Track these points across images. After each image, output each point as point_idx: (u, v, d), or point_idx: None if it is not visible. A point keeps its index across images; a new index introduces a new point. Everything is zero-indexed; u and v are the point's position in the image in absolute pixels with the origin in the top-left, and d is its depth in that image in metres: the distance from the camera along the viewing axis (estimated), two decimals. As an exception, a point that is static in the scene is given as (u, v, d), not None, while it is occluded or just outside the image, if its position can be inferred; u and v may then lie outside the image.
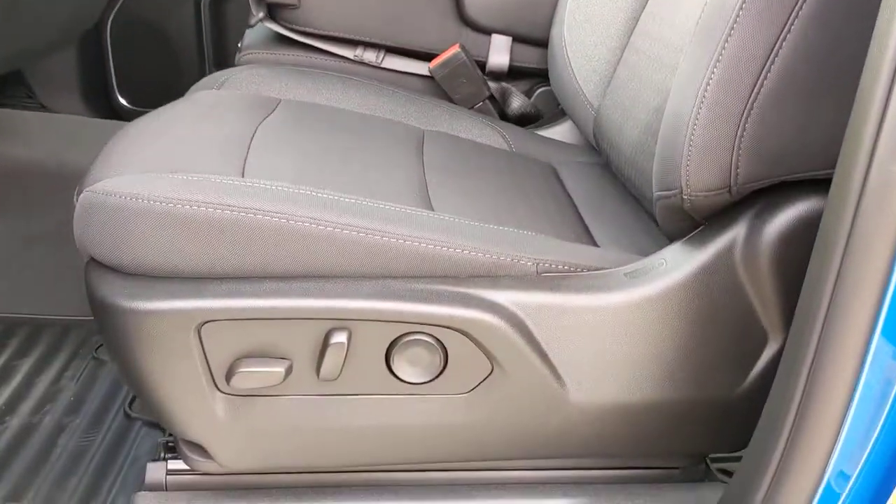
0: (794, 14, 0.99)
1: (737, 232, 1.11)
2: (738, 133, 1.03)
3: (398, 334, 1.10)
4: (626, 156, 1.42)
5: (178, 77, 2.30)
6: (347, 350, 1.09)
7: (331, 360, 1.10)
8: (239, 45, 1.94)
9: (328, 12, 1.86)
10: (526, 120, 1.87)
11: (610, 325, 1.13)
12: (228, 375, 1.10)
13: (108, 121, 2.25)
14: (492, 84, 1.88)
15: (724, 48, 1.02)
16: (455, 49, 1.82)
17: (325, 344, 1.09)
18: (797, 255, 1.03)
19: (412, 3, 1.87)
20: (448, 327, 1.10)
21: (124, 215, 1.07)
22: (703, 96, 1.03)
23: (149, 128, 1.34)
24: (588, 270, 1.16)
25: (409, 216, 1.14)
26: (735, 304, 1.13)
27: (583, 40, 1.67)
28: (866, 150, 0.87)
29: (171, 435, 1.27)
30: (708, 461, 1.36)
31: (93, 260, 1.13)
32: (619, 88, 1.54)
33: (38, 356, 1.83)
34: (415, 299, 1.09)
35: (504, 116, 1.87)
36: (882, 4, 0.85)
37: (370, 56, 1.87)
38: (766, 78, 1.01)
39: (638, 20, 1.56)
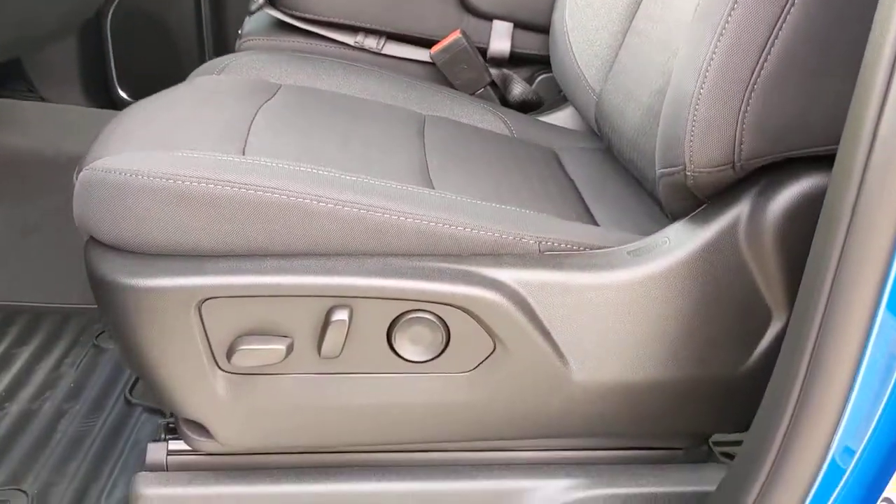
0: (795, -9, 0.99)
1: (740, 209, 1.10)
2: (742, 108, 1.02)
3: (400, 312, 1.10)
4: (628, 138, 1.42)
5: (179, 69, 2.29)
6: (349, 328, 1.09)
7: (332, 338, 1.09)
8: (239, 31, 1.93)
9: (328, -2, 1.86)
10: (527, 107, 1.87)
11: (613, 304, 1.12)
12: (229, 353, 1.09)
13: (106, 111, 2.24)
14: (493, 70, 1.88)
15: (726, 24, 1.02)
16: (456, 35, 1.82)
17: (327, 321, 1.08)
18: (801, 232, 1.02)
19: (413, -12, 1.87)
20: (450, 305, 1.09)
21: (124, 192, 1.06)
22: (707, 71, 1.03)
23: (148, 110, 1.34)
24: (591, 249, 1.15)
25: (410, 194, 1.14)
26: (739, 282, 1.12)
27: (584, 25, 1.67)
28: (870, 126, 0.87)
29: (172, 416, 1.27)
30: (711, 444, 1.35)
31: (92, 239, 1.13)
32: (621, 72, 1.53)
33: (37, 344, 1.83)
34: (416, 277, 1.08)
35: (505, 103, 1.87)
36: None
37: (371, 42, 1.86)
38: (769, 53, 1.00)
39: (640, 4, 1.55)
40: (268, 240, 1.08)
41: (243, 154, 1.16)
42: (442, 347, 1.12)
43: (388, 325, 1.11)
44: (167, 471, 1.24)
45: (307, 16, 1.86)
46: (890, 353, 0.93)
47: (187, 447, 1.23)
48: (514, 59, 1.91)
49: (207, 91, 1.46)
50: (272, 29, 1.89)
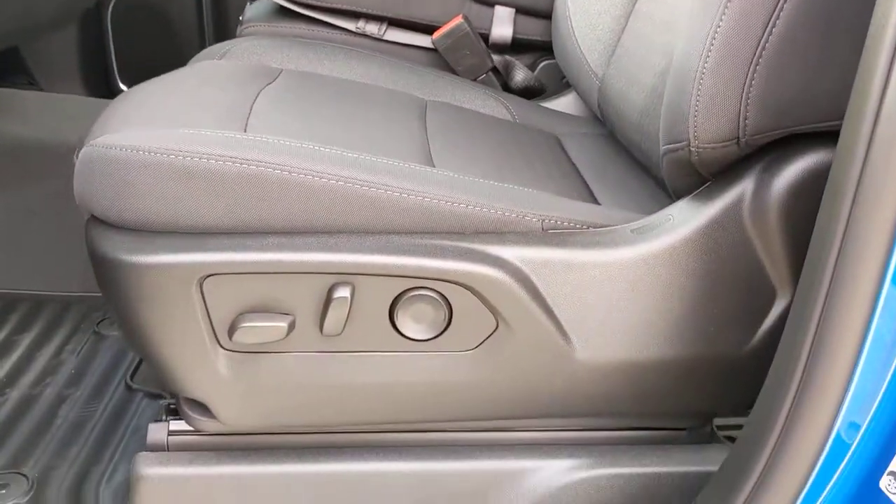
0: (802, -37, 0.98)
1: (745, 186, 1.10)
2: (747, 82, 1.02)
3: (402, 289, 1.09)
4: (632, 121, 1.41)
5: (180, 60, 2.29)
6: (351, 305, 1.08)
7: (334, 316, 1.09)
8: (240, 17, 1.93)
9: (330, -17, 1.85)
10: (530, 93, 1.87)
11: (616, 281, 1.11)
12: (231, 331, 1.09)
13: (107, 100, 2.24)
14: (495, 57, 1.87)
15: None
16: (458, 20, 1.81)
17: (329, 299, 1.08)
18: (806, 208, 1.02)
19: (414, -26, 1.87)
20: (452, 282, 1.09)
21: (125, 168, 1.06)
22: (711, 45, 1.02)
23: (149, 92, 1.33)
24: (594, 227, 1.15)
25: (413, 171, 1.13)
26: (743, 260, 1.11)
27: (586, 9, 1.66)
28: (874, 102, 0.86)
29: (173, 397, 1.26)
30: (714, 427, 1.34)
31: (93, 217, 1.12)
32: (624, 56, 1.53)
33: (38, 331, 1.82)
34: (419, 254, 1.08)
35: (508, 89, 1.86)
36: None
37: (372, 28, 1.86)
38: (773, 27, 1.00)
39: (642, -13, 1.55)
40: (269, 216, 1.07)
41: (245, 132, 1.15)
42: (444, 325, 1.12)
43: (390, 302, 1.10)
44: (168, 451, 1.23)
45: (308, 1, 1.85)
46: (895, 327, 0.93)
47: (188, 427, 1.23)
48: (517, 46, 1.91)
49: (208, 74, 1.46)
50: (273, 15, 1.89)
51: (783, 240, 1.10)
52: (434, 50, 1.85)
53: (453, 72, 1.83)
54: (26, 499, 1.37)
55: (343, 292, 1.08)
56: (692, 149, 1.07)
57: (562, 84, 1.88)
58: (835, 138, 0.92)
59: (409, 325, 1.11)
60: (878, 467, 0.95)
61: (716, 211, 1.10)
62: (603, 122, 1.62)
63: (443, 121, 1.46)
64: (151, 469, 1.20)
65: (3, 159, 1.95)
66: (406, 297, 1.09)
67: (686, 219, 1.12)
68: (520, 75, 1.86)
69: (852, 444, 0.96)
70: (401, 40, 1.87)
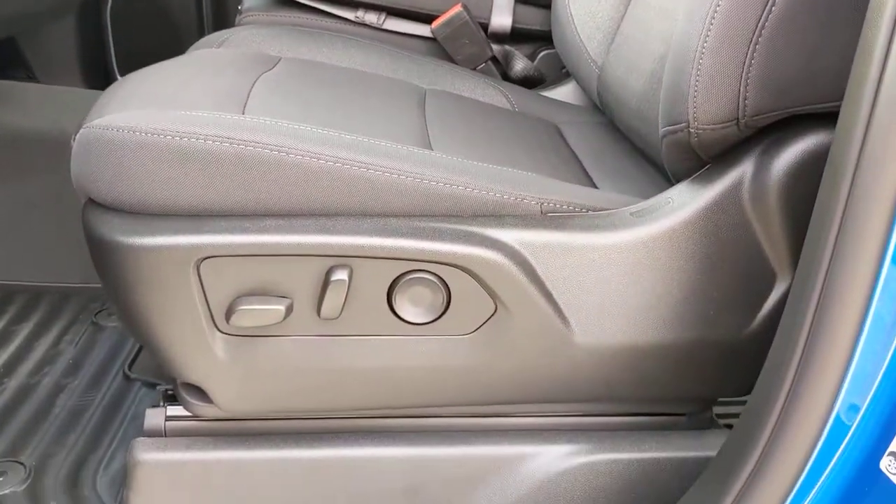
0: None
1: (744, 168, 1.09)
2: (746, 62, 1.01)
3: (400, 272, 1.09)
4: (631, 108, 1.41)
5: (178, 53, 2.29)
6: (349, 288, 1.08)
7: (332, 299, 1.08)
8: (239, 7, 1.93)
9: (329, -28, 1.85)
10: (529, 83, 1.86)
11: (616, 265, 1.11)
12: (228, 314, 1.08)
13: (107, 92, 2.23)
14: (494, 46, 1.87)
15: None
16: (457, 9, 1.81)
17: (326, 282, 1.07)
18: (806, 190, 1.01)
19: (413, -37, 1.86)
20: (450, 265, 1.08)
21: (122, 149, 1.05)
22: (710, 25, 1.02)
23: (147, 76, 1.33)
24: (593, 210, 1.14)
25: (411, 153, 1.13)
26: (743, 243, 1.11)
27: (586, -3, 1.66)
28: (873, 81, 0.86)
29: (171, 384, 1.26)
30: (714, 415, 1.34)
31: (91, 201, 1.12)
32: (624, 44, 1.52)
33: (36, 321, 1.82)
34: (417, 236, 1.07)
35: (507, 79, 1.86)
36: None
37: (371, 18, 1.85)
38: (773, 6, 1.00)
39: (642, -26, 1.54)
40: (267, 198, 1.07)
41: (243, 114, 1.15)
42: (442, 309, 1.11)
43: (388, 285, 1.09)
44: (165, 436, 1.23)
45: (307, -10, 1.85)
46: (895, 307, 0.92)
47: (186, 413, 1.22)
48: (516, 36, 1.91)
49: (206, 61, 1.46)
50: (272, 4, 1.89)
51: (783, 222, 1.09)
52: (433, 39, 1.85)
53: (452, 61, 1.83)
54: (24, 486, 1.37)
55: (341, 275, 1.07)
56: (691, 130, 1.07)
57: (561, 73, 1.88)
58: (835, 119, 0.91)
59: (408, 308, 1.11)
60: (878, 448, 0.94)
61: (715, 193, 1.10)
62: (602, 110, 1.61)
63: (442, 108, 1.46)
64: (148, 454, 1.19)
65: (2, 150, 1.94)
66: (404, 280, 1.09)
67: (685, 202, 1.12)
68: (519, 65, 1.86)
69: (852, 425, 0.95)
70: (400, 29, 1.86)
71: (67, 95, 2.20)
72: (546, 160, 1.35)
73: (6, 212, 1.93)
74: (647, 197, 1.19)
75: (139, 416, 1.49)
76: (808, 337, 0.94)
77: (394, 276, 1.09)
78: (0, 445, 1.45)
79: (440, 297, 1.10)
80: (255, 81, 1.32)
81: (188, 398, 1.20)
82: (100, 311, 1.84)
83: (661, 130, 1.14)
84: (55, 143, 1.89)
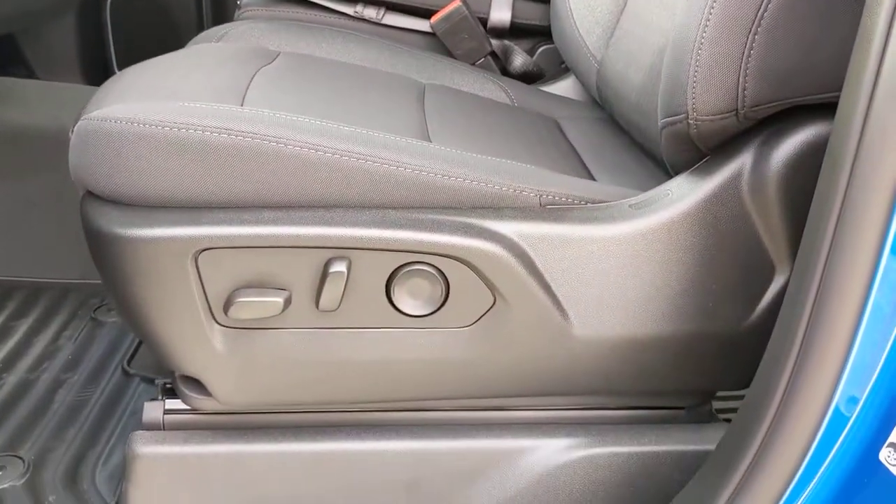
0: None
1: (743, 160, 1.09)
2: (745, 52, 1.01)
3: (398, 264, 1.08)
4: (630, 101, 1.40)
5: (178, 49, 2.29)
6: (347, 280, 1.08)
7: (330, 291, 1.08)
8: (238, 2, 1.92)
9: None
10: (528, 78, 1.86)
11: (614, 257, 1.11)
12: (226, 306, 1.08)
13: (107, 88, 2.23)
14: (494, 42, 1.87)
15: None
16: (456, 3, 1.81)
17: (325, 274, 1.07)
18: (805, 182, 1.01)
19: (412, -43, 1.86)
20: (449, 256, 1.08)
21: (120, 141, 1.05)
22: (709, 15, 1.01)
23: (146, 69, 1.33)
24: (592, 203, 1.14)
25: (410, 145, 1.13)
26: (742, 235, 1.11)
27: (585, -8, 1.65)
28: (871, 72, 0.86)
29: (169, 377, 1.26)
30: (713, 409, 1.34)
31: (89, 193, 1.12)
32: (623, 38, 1.52)
33: (36, 317, 1.82)
34: (415, 228, 1.07)
35: (506, 74, 1.86)
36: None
37: (370, 12, 1.85)
38: None
39: (642, -32, 1.54)
40: (265, 189, 1.07)
41: (242, 106, 1.15)
42: (441, 301, 1.11)
43: (386, 277, 1.09)
44: (164, 430, 1.22)
45: (306, -16, 1.85)
46: (894, 298, 0.92)
47: (184, 406, 1.22)
48: (515, 31, 1.90)
49: (205, 55, 1.45)
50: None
51: (782, 214, 1.09)
52: (432, 34, 1.85)
53: (451, 56, 1.83)
54: (22, 481, 1.37)
55: (339, 267, 1.07)
56: (690, 121, 1.07)
57: (560, 68, 1.88)
58: (834, 110, 0.91)
59: (406, 300, 1.11)
60: (878, 439, 0.94)
61: (714, 185, 1.10)
62: (601, 105, 1.61)
63: (441, 102, 1.45)
64: (147, 448, 1.19)
65: (2, 147, 1.94)
66: (403, 272, 1.09)
67: (684, 193, 1.11)
68: (518, 60, 1.86)
69: (851, 417, 0.95)
70: (399, 24, 1.86)
71: (67, 92, 2.20)
72: (545, 154, 1.35)
73: (6, 208, 1.93)
74: (645, 190, 1.19)
75: (138, 411, 1.49)
76: (806, 329, 0.93)
77: (392, 268, 1.09)
78: (-1, 439, 1.46)
79: (439, 290, 1.10)
80: (253, 75, 1.32)
81: (186, 391, 1.19)
82: (99, 307, 1.84)
83: (660, 122, 1.14)
84: (55, 140, 1.88)
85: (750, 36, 1.00)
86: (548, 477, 1.22)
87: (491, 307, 1.12)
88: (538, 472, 1.22)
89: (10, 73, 2.30)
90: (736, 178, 1.09)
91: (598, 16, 1.62)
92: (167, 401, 1.24)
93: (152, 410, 1.23)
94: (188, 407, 1.22)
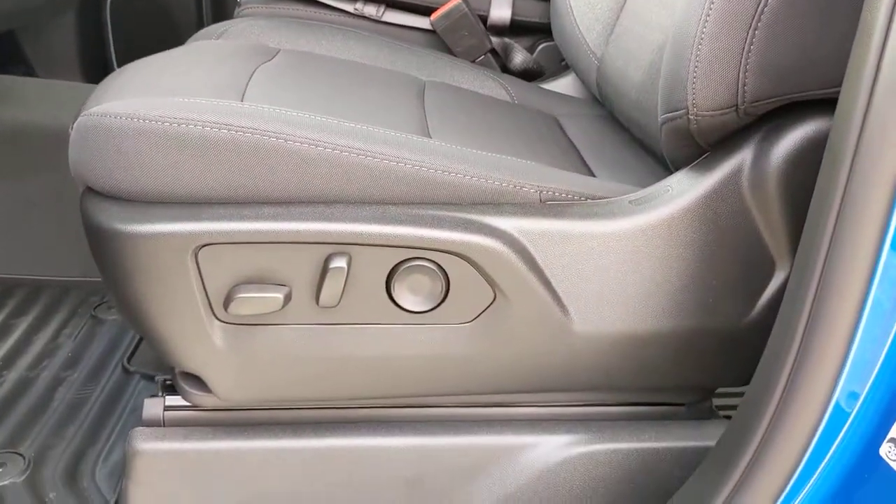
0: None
1: (744, 156, 1.09)
2: (745, 48, 1.01)
3: (399, 260, 1.08)
4: (630, 98, 1.40)
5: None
6: (347, 276, 1.08)
7: (330, 287, 1.08)
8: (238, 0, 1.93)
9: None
10: (528, 76, 1.86)
11: (615, 252, 1.11)
12: (226, 302, 1.08)
13: (107, 86, 2.23)
14: (494, 39, 1.87)
15: None
16: (456, 0, 1.81)
17: (325, 269, 1.07)
18: (805, 178, 1.01)
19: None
20: (449, 252, 1.08)
21: (119, 136, 1.05)
22: (710, 11, 1.01)
23: (145, 67, 1.32)
24: (592, 199, 1.14)
25: (410, 141, 1.13)
26: (742, 231, 1.11)
27: (585, -11, 1.65)
28: (871, 67, 0.86)
29: (169, 373, 1.25)
30: (713, 406, 1.34)
31: (89, 189, 1.12)
32: (623, 34, 1.52)
33: (36, 315, 1.82)
34: (416, 224, 1.07)
35: (506, 71, 1.86)
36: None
37: (370, 10, 1.85)
38: None
39: (641, -35, 1.54)
40: (265, 185, 1.06)
41: (242, 101, 1.15)
42: (441, 297, 1.11)
43: (387, 273, 1.09)
44: (164, 426, 1.22)
45: (306, -18, 1.85)
46: (895, 294, 0.92)
47: (185, 403, 1.22)
48: (515, 28, 1.90)
49: (205, 52, 1.45)
50: (271, -4, 1.89)
51: (782, 210, 1.09)
52: (432, 31, 1.85)
53: (452, 53, 1.83)
54: (22, 478, 1.37)
55: (339, 263, 1.07)
56: (691, 117, 1.07)
57: (560, 66, 1.88)
58: (834, 106, 0.91)
59: (406, 296, 1.11)
60: (878, 435, 0.94)
61: (714, 181, 1.10)
62: (601, 102, 1.61)
63: (441, 99, 1.45)
64: (147, 444, 1.19)
65: (2, 145, 1.94)
66: (403, 267, 1.09)
67: (684, 189, 1.11)
68: (518, 57, 1.86)
69: (851, 412, 0.95)
70: (399, 21, 1.87)
71: (67, 91, 2.20)
72: (545, 151, 1.35)
73: (6, 206, 1.93)
74: (645, 186, 1.19)
75: (138, 409, 1.48)
76: (807, 324, 0.93)
77: (392, 264, 1.09)
78: (-1, 437, 1.46)
79: (439, 286, 1.10)
80: (253, 72, 1.32)
81: (187, 388, 1.19)
82: (99, 305, 1.85)
83: (661, 118, 1.14)
84: (55, 138, 1.88)
85: (750, 31, 1.00)
86: (548, 473, 1.22)
87: (491, 303, 1.12)
88: (539, 468, 1.22)
89: (10, 72, 2.29)
90: (736, 173, 1.09)
91: (598, 13, 1.62)
92: (167, 397, 1.24)
93: (152, 407, 1.23)
94: (188, 403, 1.22)
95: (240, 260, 1.07)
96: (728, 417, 1.34)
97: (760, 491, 0.99)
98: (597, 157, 1.38)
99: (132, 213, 1.06)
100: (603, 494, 1.23)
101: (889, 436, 0.93)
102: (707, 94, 1.04)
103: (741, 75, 1.02)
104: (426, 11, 1.86)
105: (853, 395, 0.94)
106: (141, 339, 1.70)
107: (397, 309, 1.11)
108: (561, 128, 1.54)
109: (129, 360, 1.66)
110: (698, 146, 1.12)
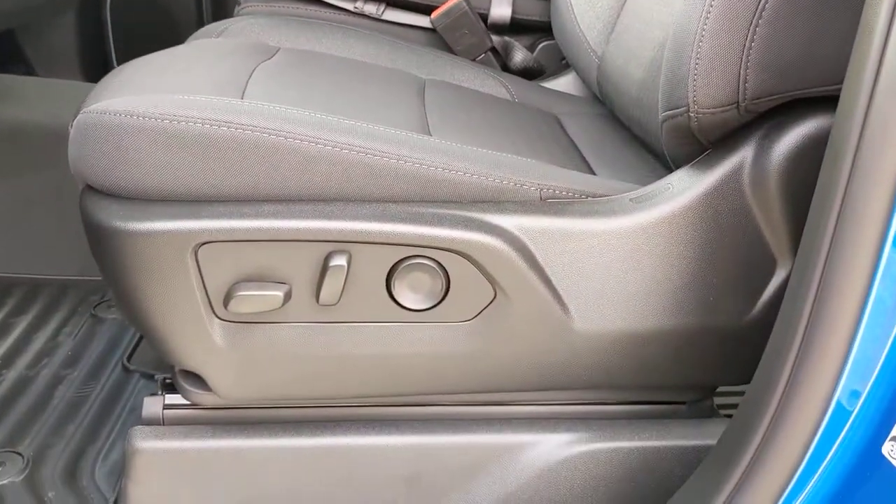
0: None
1: (745, 153, 1.09)
2: (746, 45, 1.01)
3: (399, 258, 1.08)
4: (631, 96, 1.40)
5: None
6: (347, 274, 1.07)
7: (330, 285, 1.07)
8: (238, -1, 1.93)
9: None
10: (529, 74, 1.86)
11: (615, 251, 1.10)
12: (226, 300, 1.08)
13: (107, 85, 2.23)
14: (494, 38, 1.86)
15: None
16: (456, -1, 1.81)
17: (325, 267, 1.07)
18: (806, 176, 1.01)
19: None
20: (449, 250, 1.08)
21: (119, 133, 1.05)
22: (710, 7, 1.01)
23: (145, 65, 1.32)
24: (593, 197, 1.14)
25: (410, 139, 1.12)
26: (743, 229, 1.11)
27: (586, -13, 1.65)
28: (873, 64, 0.86)
29: (169, 372, 1.25)
30: (714, 405, 1.33)
31: (88, 187, 1.11)
32: (624, 32, 1.52)
33: (35, 314, 1.82)
34: (416, 222, 1.07)
35: (507, 70, 1.86)
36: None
37: (370, 8, 1.85)
38: None
39: (642, -36, 1.54)
40: (265, 183, 1.06)
41: (242, 99, 1.14)
42: (442, 295, 1.11)
43: (387, 271, 1.09)
44: (163, 425, 1.22)
45: (306, -20, 1.85)
46: (897, 291, 0.92)
47: (184, 401, 1.22)
48: (516, 27, 1.90)
49: (205, 50, 1.45)
50: (271, -5, 1.88)
51: (783, 207, 1.09)
52: (432, 30, 1.85)
53: (452, 51, 1.83)
54: (22, 477, 1.37)
55: (339, 260, 1.07)
56: (691, 114, 1.06)
57: (561, 65, 1.88)
58: (836, 103, 0.91)
59: (407, 294, 1.10)
60: (880, 433, 0.94)
61: (715, 179, 1.09)
62: (602, 100, 1.61)
63: (441, 97, 1.45)
64: (146, 443, 1.19)
65: (2, 144, 1.94)
66: (403, 265, 1.08)
67: (685, 187, 1.11)
68: (519, 56, 1.86)
69: (853, 411, 0.94)
70: (399, 20, 1.86)
71: (67, 89, 2.20)
72: (546, 149, 1.35)
73: (5, 205, 1.93)
74: (646, 184, 1.18)
75: (138, 408, 1.48)
76: (808, 323, 0.93)
77: (393, 262, 1.09)
78: (-2, 435, 1.45)
79: (439, 284, 1.10)
80: (253, 70, 1.32)
81: (186, 386, 1.19)
82: (99, 304, 1.84)
83: (661, 115, 1.14)
84: (54, 137, 1.88)
85: (751, 28, 1.00)
86: (548, 472, 1.22)
87: (491, 301, 1.11)
88: (539, 466, 1.22)
89: (10, 71, 2.29)
90: (737, 171, 1.09)
91: (599, 11, 1.62)
92: (167, 396, 1.23)
93: (152, 405, 1.23)
94: (188, 402, 1.22)
95: (240, 258, 1.07)
96: (729, 416, 1.33)
97: (762, 490, 0.99)
98: (597, 156, 1.38)
99: (132, 211, 1.06)
100: (604, 493, 1.23)
101: (891, 434, 0.93)
102: (708, 91, 1.04)
103: (742, 72, 1.02)
104: (426, 10, 1.86)
105: (855, 394, 0.94)
106: (141, 338, 1.70)
107: (397, 307, 1.11)
108: (561, 126, 1.54)
109: (128, 358, 1.66)
110: (699, 144, 1.12)
